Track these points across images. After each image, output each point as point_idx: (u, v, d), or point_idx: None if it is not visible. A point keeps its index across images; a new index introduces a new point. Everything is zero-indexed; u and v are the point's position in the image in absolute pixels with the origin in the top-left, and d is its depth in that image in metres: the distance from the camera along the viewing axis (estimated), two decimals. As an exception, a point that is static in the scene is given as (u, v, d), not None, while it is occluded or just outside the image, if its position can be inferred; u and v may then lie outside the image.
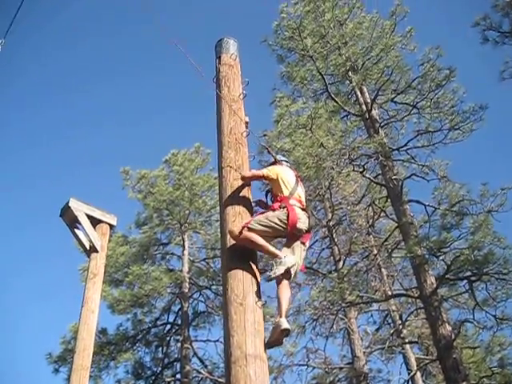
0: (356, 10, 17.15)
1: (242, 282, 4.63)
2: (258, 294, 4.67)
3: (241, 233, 4.77)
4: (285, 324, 4.62)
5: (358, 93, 16.29)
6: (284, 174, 5.51)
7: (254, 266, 4.85)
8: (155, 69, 54.37)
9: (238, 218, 5.10)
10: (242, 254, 4.85)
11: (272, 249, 4.85)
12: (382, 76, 15.43)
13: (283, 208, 5.11)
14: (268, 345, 4.58)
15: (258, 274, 4.86)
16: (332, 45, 15.99)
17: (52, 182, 46.71)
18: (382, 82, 15.42)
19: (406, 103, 15.67)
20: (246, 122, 6.05)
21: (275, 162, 5.95)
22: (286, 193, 5.31)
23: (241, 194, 5.30)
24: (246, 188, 5.40)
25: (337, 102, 15.58)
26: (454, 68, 14.51)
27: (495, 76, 14.05)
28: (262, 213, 5.15)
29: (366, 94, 16.37)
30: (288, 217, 5.01)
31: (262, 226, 4.90)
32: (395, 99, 15.83)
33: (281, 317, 4.73)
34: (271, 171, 5.49)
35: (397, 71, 15.33)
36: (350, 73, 15.98)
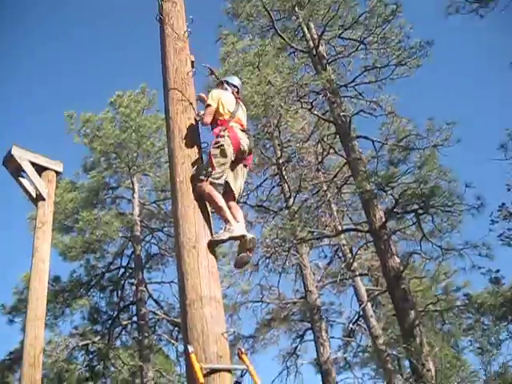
0: None
1: (194, 225, 4.61)
2: (211, 236, 4.67)
3: (201, 185, 4.82)
4: (249, 235, 4.85)
5: (305, 29, 16.05)
6: (224, 98, 5.53)
7: (206, 209, 4.83)
8: (99, 8, 52.21)
9: (187, 160, 5.03)
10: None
11: (227, 214, 4.84)
12: (329, 11, 15.21)
13: (224, 130, 5.20)
14: (237, 264, 4.94)
15: (210, 215, 4.84)
16: (278, -21, 15.62)
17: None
18: (328, 17, 15.20)
19: (353, 39, 15.55)
20: (192, 61, 5.90)
21: (220, 84, 5.94)
22: (226, 116, 5.37)
23: (189, 135, 5.20)
24: (194, 127, 5.32)
25: (283, 39, 15.34)
26: (400, 3, 14.41)
27: (441, 11, 13.98)
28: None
29: (313, 29, 16.15)
30: (231, 139, 5.14)
31: (219, 165, 4.98)
32: (342, 35, 15.68)
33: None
34: (214, 100, 5.45)
35: (344, 6, 15.14)
36: (296, 8, 15.69)
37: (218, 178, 4.91)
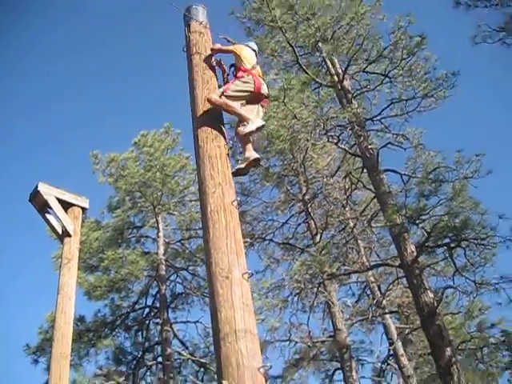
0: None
1: (226, 255, 4.42)
2: (244, 265, 4.47)
3: (217, 98, 5.48)
4: (256, 154, 5.48)
5: (329, 64, 16.00)
6: (246, 52, 6.06)
7: (238, 237, 4.63)
8: (121, 48, 53.31)
9: (218, 188, 4.87)
10: (224, 222, 4.63)
11: (244, 112, 5.50)
12: (353, 45, 15.15)
13: (248, 76, 5.76)
14: (234, 173, 5.27)
15: (242, 245, 4.64)
16: (301, 15, 15.66)
17: (19, 168, 45.51)
18: (352, 51, 15.12)
19: (377, 73, 15.43)
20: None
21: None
22: (248, 66, 5.89)
23: (219, 163, 5.06)
24: (224, 155, 5.17)
25: (308, 74, 15.28)
26: (425, 35, 14.26)
27: (467, 41, 13.82)
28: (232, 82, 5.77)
29: (337, 64, 16.10)
30: (254, 81, 5.71)
31: (235, 91, 5.61)
32: (367, 69, 15.55)
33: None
34: (237, 48, 6.05)
35: (368, 40, 15.05)
36: (320, 44, 15.69)
37: (232, 92, 5.54)
